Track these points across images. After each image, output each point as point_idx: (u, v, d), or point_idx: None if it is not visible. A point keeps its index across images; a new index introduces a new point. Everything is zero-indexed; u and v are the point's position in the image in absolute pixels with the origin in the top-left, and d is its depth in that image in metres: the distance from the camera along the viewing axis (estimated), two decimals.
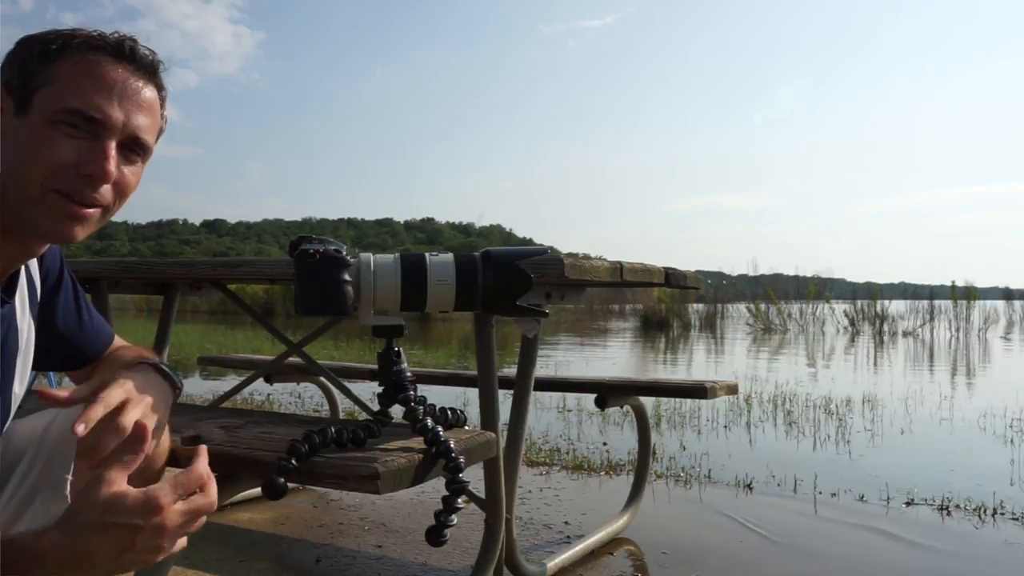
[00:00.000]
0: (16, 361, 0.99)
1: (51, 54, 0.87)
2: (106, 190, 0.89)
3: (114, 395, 0.86)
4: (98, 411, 0.83)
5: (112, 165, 0.87)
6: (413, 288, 1.12)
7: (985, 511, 2.83)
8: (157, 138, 0.96)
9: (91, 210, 0.89)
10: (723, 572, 2.18)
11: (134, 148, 0.91)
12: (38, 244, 0.96)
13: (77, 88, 0.86)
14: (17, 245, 0.92)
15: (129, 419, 0.85)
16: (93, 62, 0.88)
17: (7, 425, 1.01)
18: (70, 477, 1.01)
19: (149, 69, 0.92)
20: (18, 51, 0.89)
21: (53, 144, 0.85)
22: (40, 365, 1.09)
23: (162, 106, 0.95)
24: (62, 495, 1.00)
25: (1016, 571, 2.30)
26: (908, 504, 2.94)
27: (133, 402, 0.88)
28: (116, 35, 0.91)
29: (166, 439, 1.07)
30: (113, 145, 0.88)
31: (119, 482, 0.77)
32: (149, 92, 0.92)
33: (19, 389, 1.01)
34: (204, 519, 0.82)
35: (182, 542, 0.81)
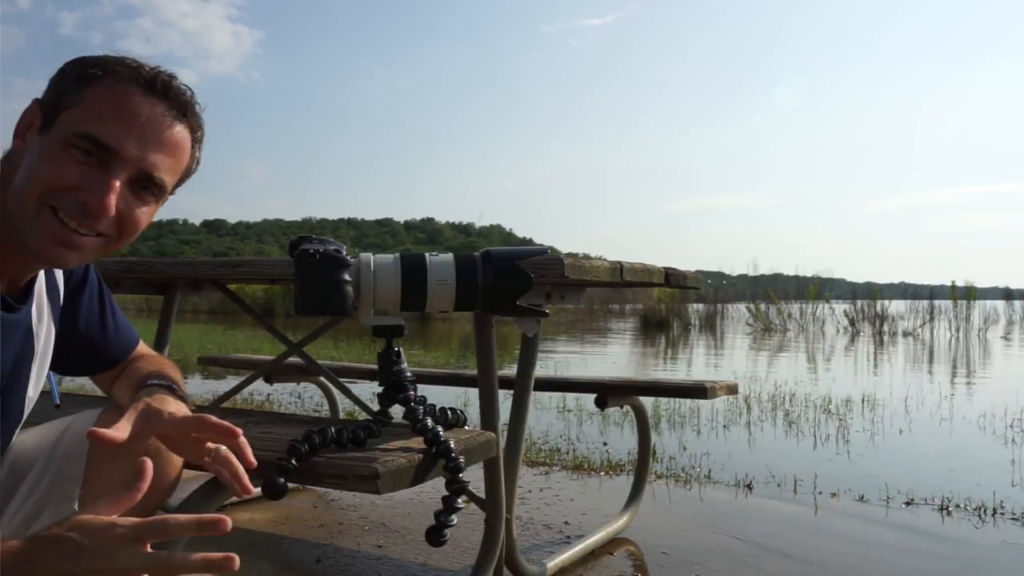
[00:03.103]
0: (31, 367, 0.98)
1: (86, 78, 0.86)
2: (106, 222, 0.87)
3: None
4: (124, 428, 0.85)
5: (112, 199, 0.84)
6: (413, 288, 1.12)
7: (985, 511, 2.83)
8: (183, 179, 0.94)
9: (86, 239, 0.86)
10: (723, 572, 2.18)
11: (147, 186, 0.89)
12: (34, 261, 0.92)
13: (98, 115, 0.84)
14: (23, 258, 0.91)
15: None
16: (122, 92, 0.86)
17: (19, 429, 1.01)
18: (80, 490, 1.00)
19: (181, 107, 0.90)
20: (60, 72, 0.89)
21: (60, 164, 0.83)
22: (61, 368, 1.08)
23: (194, 146, 0.92)
24: (71, 508, 0.99)
25: (1016, 571, 2.30)
26: (908, 504, 2.94)
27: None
28: (155, 69, 0.89)
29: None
30: (120, 180, 0.85)
31: (100, 510, 0.75)
32: (177, 131, 0.89)
33: (33, 393, 1.00)
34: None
35: None
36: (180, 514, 0.78)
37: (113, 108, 0.85)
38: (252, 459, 0.91)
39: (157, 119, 0.87)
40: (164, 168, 0.88)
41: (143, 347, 1.18)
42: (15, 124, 0.89)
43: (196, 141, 0.93)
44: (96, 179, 0.84)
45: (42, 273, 0.98)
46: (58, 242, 0.85)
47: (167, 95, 0.88)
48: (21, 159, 0.87)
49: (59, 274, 1.03)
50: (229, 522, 0.78)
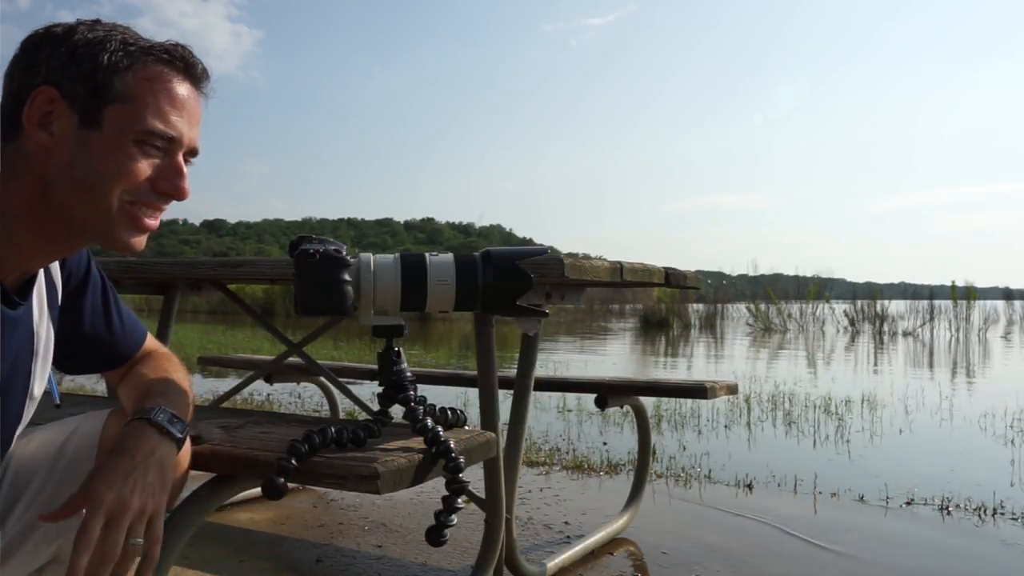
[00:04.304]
0: (33, 365, 0.97)
1: (115, 67, 0.88)
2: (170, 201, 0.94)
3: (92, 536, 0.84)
4: (83, 560, 0.83)
5: (186, 183, 0.93)
6: (413, 288, 1.12)
7: (985, 511, 2.83)
8: None
9: (157, 221, 0.94)
10: (723, 572, 2.18)
11: (188, 157, 0.96)
12: (82, 246, 0.99)
13: (156, 109, 0.89)
14: (52, 246, 0.93)
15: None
16: (163, 78, 0.91)
17: (20, 430, 1.00)
18: None
19: (204, 82, 0.96)
20: (69, 54, 0.87)
21: (136, 162, 0.88)
22: (70, 368, 1.08)
23: None
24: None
25: (1016, 571, 2.30)
26: (908, 504, 2.95)
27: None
28: (171, 44, 0.93)
29: (186, 451, 1.04)
30: (182, 159, 0.93)
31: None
32: (201, 102, 0.96)
33: (36, 393, 1.00)
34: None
35: None
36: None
37: (165, 98, 0.90)
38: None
39: (194, 98, 0.94)
40: (198, 137, 0.96)
41: (151, 342, 1.17)
42: (26, 113, 0.86)
43: None
44: (168, 167, 0.91)
45: (41, 270, 0.97)
46: (139, 230, 0.92)
47: (194, 73, 0.94)
48: (50, 153, 0.87)
49: (56, 272, 1.02)
50: None
